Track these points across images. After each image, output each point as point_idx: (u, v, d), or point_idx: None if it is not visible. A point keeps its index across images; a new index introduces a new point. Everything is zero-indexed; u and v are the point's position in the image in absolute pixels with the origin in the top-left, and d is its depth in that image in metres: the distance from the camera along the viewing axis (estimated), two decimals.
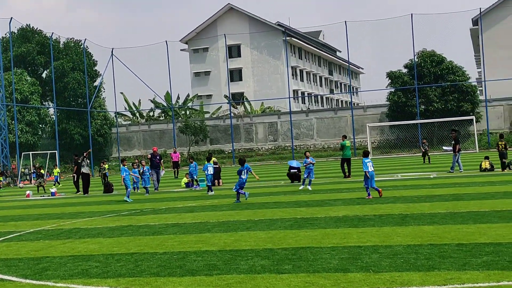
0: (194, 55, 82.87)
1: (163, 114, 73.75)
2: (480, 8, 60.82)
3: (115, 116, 68.29)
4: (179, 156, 40.25)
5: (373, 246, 9.87)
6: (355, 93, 72.43)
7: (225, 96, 73.49)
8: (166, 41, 62.98)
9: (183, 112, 73.30)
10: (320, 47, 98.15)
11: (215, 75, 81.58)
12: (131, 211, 18.49)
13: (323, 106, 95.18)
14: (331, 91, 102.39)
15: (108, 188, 28.57)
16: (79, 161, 28.61)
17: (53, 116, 62.31)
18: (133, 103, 74.64)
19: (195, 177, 27.63)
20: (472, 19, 71.24)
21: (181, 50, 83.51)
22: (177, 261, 9.70)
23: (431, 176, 25.08)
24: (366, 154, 18.58)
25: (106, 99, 68.29)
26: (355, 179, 26.38)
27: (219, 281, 8.11)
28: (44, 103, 65.35)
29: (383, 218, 13.10)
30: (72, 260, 10.37)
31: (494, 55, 66.37)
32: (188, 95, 78.08)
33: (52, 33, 58.25)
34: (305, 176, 22.80)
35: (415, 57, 57.40)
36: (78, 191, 29.44)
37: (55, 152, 51.82)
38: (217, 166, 28.91)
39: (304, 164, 22.77)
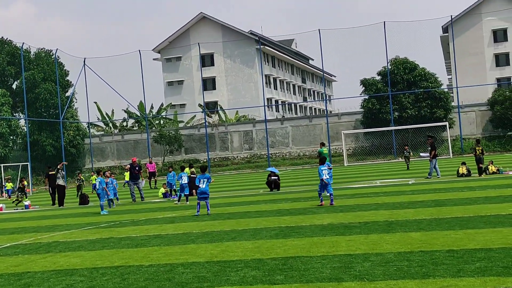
0: (167, 64, 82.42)
1: (136, 124, 73.07)
2: (452, 16, 61.61)
3: (88, 126, 67.47)
4: (155, 166, 39.86)
5: (363, 254, 9.77)
6: (326, 100, 72.55)
7: (200, 105, 73.18)
8: (139, 51, 62.54)
9: (157, 121, 72.75)
10: (293, 55, 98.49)
11: (189, 84, 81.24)
12: (110, 223, 18.14)
13: (297, 114, 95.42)
14: (305, 99, 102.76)
15: (83, 199, 28.10)
16: (54, 172, 28.07)
17: (24, 128, 61.28)
18: (106, 113, 73.86)
19: (174, 187, 27.33)
20: (442, 26, 72.29)
21: (154, 59, 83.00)
22: (164, 274, 9.49)
23: (410, 182, 25.17)
24: (322, 162, 19.01)
25: (78, 110, 67.41)
26: (334, 187, 26.36)
27: None
28: (15, 114, 64.23)
29: (369, 225, 13.03)
30: (55, 275, 10.07)
31: (463, 62, 67.40)
32: (162, 105, 77.59)
33: (23, 43, 57.39)
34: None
35: (388, 64, 57.87)
36: (53, 203, 28.88)
37: (27, 164, 50.89)
38: (195, 176, 28.68)
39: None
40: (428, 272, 8.09)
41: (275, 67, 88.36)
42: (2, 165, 49.92)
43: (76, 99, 66.24)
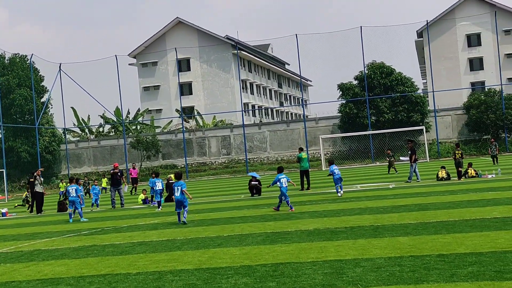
0: (143, 69, 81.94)
1: (113, 130, 72.46)
2: (427, 21, 62.27)
3: (64, 132, 66.71)
4: (138, 172, 39.50)
5: (353, 259, 9.74)
6: (303, 105, 72.79)
7: (177, 110, 72.87)
8: (115, 56, 62.12)
9: (133, 127, 72.24)
10: (269, 60, 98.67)
11: (165, 89, 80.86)
12: (91, 230, 17.89)
13: (273, 119, 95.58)
14: (281, 104, 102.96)
15: (62, 206, 27.71)
16: (32, 179, 27.66)
17: None
18: (82, 119, 73.15)
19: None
20: (417, 31, 73.05)
21: (130, 64, 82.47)
22: (153, 282, 9.35)
23: (390, 186, 25.29)
24: (280, 170, 19.68)
25: (54, 115, 66.65)
26: (315, 191, 26.42)
27: None
28: None
29: (355, 230, 13.02)
30: (40, 284, 9.87)
31: (438, 66, 68.21)
32: (138, 110, 77.09)
33: None
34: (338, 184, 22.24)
35: (365, 69, 58.25)
36: (31, 210, 28.44)
37: (2, 171, 50.10)
38: (172, 181, 28.59)
39: (330, 173, 22.16)
40: (421, 277, 8.08)
41: (251, 72, 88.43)
42: None
43: (52, 105, 65.61)
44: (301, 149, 30.65)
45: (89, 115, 74.38)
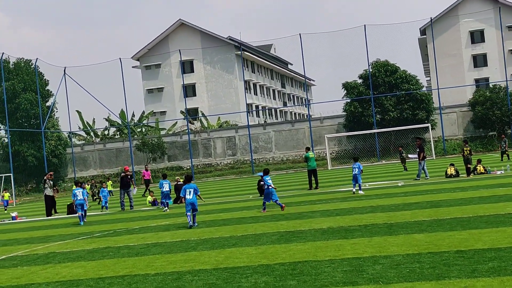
0: (147, 72, 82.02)
1: (118, 132, 72.59)
2: (431, 18, 62.19)
3: (70, 136, 66.87)
4: (150, 173, 39.39)
5: (371, 257, 9.77)
6: (309, 105, 72.78)
7: (182, 112, 72.95)
8: (120, 59, 62.18)
9: (139, 129, 72.34)
10: (272, 60, 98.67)
11: (169, 91, 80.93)
12: (103, 232, 17.95)
13: (277, 119, 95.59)
14: (285, 104, 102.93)
15: (72, 209, 27.75)
16: (41, 183, 27.77)
17: (5, 139, 60.55)
18: (87, 122, 73.29)
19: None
20: (420, 29, 72.98)
21: (133, 67, 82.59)
22: (173, 282, 9.39)
23: (399, 184, 25.28)
24: (266, 173, 20.27)
25: (59, 119, 66.82)
26: (323, 190, 26.44)
27: None
28: None
29: (369, 228, 13.04)
30: (60, 286, 9.93)
31: (441, 63, 68.07)
32: (143, 113, 77.20)
33: (3, 53, 56.74)
34: (358, 181, 22.85)
35: (370, 67, 58.22)
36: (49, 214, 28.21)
37: (10, 175, 50.24)
38: (181, 182, 28.69)
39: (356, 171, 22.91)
40: (442, 273, 8.10)
41: (254, 73, 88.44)
42: None
43: (57, 109, 65.75)
44: (308, 149, 30.67)
45: (94, 118, 74.56)
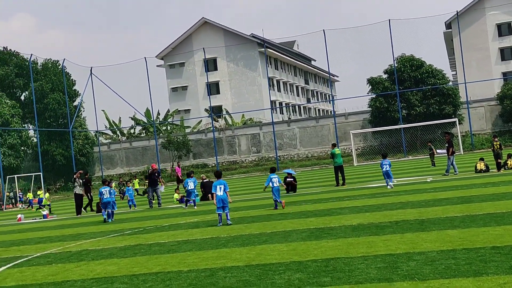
0: (171, 71, 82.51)
1: (144, 131, 73.15)
2: (457, 11, 61.47)
3: (96, 135, 67.54)
4: (181, 171, 39.34)
5: (405, 253, 9.69)
6: (333, 101, 72.44)
7: (206, 110, 73.24)
8: (145, 58, 62.64)
9: (164, 127, 72.79)
10: (295, 57, 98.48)
11: (192, 89, 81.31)
12: (134, 230, 18.10)
13: (301, 116, 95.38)
14: (308, 100, 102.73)
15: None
16: (71, 182, 28.11)
17: (34, 138, 61.38)
18: (113, 121, 73.96)
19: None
20: (445, 22, 72.17)
21: (157, 66, 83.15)
22: (206, 279, 9.42)
23: (428, 180, 25.07)
24: (273, 170, 20.73)
25: (86, 118, 67.58)
26: (350, 187, 26.33)
27: None
28: (24, 125, 64.39)
29: (400, 225, 12.95)
30: (95, 283, 10.02)
31: (468, 57, 67.26)
32: (168, 111, 77.67)
33: (31, 54, 57.48)
34: (390, 176, 23.21)
35: (395, 62, 57.75)
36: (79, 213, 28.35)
37: (40, 174, 50.93)
38: (207, 180, 28.86)
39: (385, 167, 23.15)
40: (479, 269, 8.00)
41: (278, 69, 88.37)
42: (16, 176, 49.98)
43: (84, 108, 66.49)
44: (334, 145, 30.55)
45: (120, 117, 75.29)
